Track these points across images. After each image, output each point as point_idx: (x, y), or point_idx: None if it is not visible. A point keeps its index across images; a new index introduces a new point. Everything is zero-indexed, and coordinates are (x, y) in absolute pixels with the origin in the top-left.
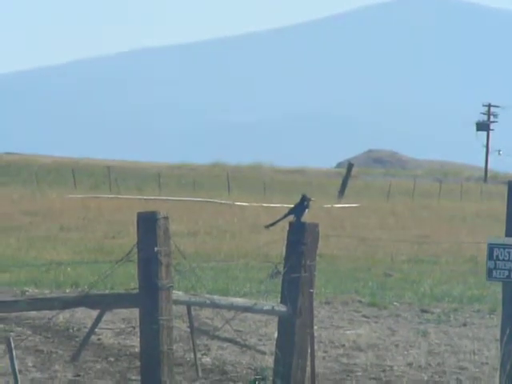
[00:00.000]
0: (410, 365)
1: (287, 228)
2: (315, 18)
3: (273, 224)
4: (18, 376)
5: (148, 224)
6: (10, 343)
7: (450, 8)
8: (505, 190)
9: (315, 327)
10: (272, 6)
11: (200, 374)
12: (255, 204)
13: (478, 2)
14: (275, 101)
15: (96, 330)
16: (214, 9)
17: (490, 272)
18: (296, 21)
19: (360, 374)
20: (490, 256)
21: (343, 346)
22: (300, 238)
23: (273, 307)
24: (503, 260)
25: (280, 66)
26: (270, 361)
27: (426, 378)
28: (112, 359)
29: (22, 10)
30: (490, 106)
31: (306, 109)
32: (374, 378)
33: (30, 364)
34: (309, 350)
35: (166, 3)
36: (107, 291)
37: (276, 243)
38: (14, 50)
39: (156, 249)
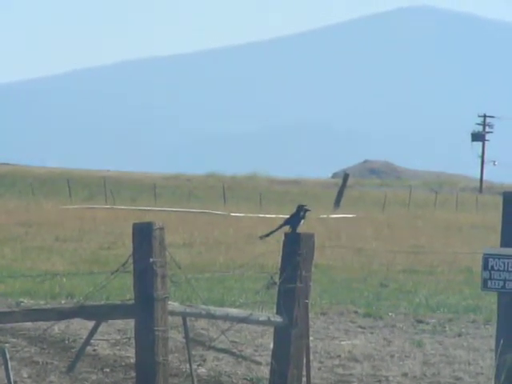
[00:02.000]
0: (405, 375)
1: (283, 239)
2: (313, 28)
3: (268, 235)
4: None
5: (143, 235)
6: (5, 354)
7: (447, 19)
8: (500, 200)
9: (311, 338)
10: (270, 15)
11: None
12: (251, 215)
13: (475, 12)
14: (271, 111)
15: (91, 340)
16: (211, 19)
17: (485, 282)
18: (294, 31)
19: None
20: (485, 266)
21: (339, 356)
22: (295, 248)
23: (268, 318)
24: (498, 270)
25: (277, 76)
26: (265, 371)
27: None
28: (107, 370)
29: (22, 19)
30: (485, 116)
31: (302, 119)
32: None
33: (25, 375)
34: (304, 361)
35: (163, 14)
36: (103, 302)
37: (271, 254)
38: (11, 60)
39: (151, 260)
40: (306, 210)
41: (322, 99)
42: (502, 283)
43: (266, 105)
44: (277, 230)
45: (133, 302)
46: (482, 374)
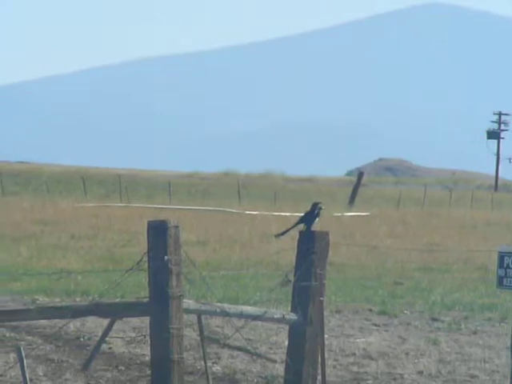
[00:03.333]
0: (420, 373)
1: (297, 237)
2: (326, 27)
3: (283, 233)
4: None
5: (158, 233)
6: (20, 352)
7: (460, 16)
8: None
9: (326, 336)
10: (278, 15)
11: (211, 382)
12: (266, 213)
13: (489, 10)
14: (285, 110)
15: (107, 338)
16: (219, 18)
17: (500, 280)
18: (309, 28)
19: (370, 382)
20: (501, 264)
21: (354, 354)
22: (310, 246)
23: (283, 315)
24: None
25: (291, 74)
26: (280, 369)
27: None
28: (123, 368)
29: (28, 19)
30: (500, 114)
31: (317, 117)
32: None
33: (40, 373)
34: (319, 359)
35: (168, 13)
36: (117, 300)
37: (286, 252)
38: (23, 59)
39: (166, 257)
40: (320, 208)
41: (336, 97)
42: None
43: (280, 103)
44: (292, 228)
45: (148, 299)
46: (498, 371)
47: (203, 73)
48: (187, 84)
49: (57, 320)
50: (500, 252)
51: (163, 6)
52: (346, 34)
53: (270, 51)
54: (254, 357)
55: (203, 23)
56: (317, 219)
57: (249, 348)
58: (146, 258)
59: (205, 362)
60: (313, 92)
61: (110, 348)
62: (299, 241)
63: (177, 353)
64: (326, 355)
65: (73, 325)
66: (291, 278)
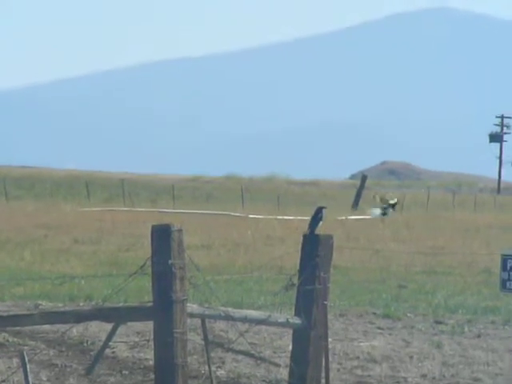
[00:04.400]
0: (424, 376)
1: (301, 240)
2: (334, 29)
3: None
4: None
5: (162, 237)
6: (23, 357)
7: (462, 20)
8: None
9: (330, 339)
10: (285, 18)
11: None
12: (269, 216)
13: (490, 13)
14: (288, 113)
15: (110, 343)
16: (228, 21)
17: (503, 283)
18: (314, 32)
19: None
20: (504, 267)
21: (358, 357)
22: (314, 250)
23: (287, 319)
24: None
25: (293, 78)
26: (284, 373)
27: None
28: (126, 372)
29: (29, 23)
30: (503, 117)
31: (319, 121)
32: None
33: (44, 378)
34: (323, 363)
35: (174, 16)
36: (121, 304)
37: (290, 255)
38: (26, 64)
39: (170, 262)
40: (322, 210)
41: (340, 101)
42: None
43: (282, 106)
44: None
45: (151, 304)
46: (501, 374)
47: (209, 77)
48: (189, 87)
49: (60, 325)
50: (503, 255)
51: (180, 7)
52: (349, 38)
53: (271, 55)
54: (258, 361)
55: (203, 27)
56: (320, 222)
57: (253, 352)
58: (149, 263)
59: (209, 367)
60: (316, 96)
61: (113, 352)
62: (303, 244)
63: (181, 357)
64: (330, 359)
65: (76, 329)
66: (295, 281)
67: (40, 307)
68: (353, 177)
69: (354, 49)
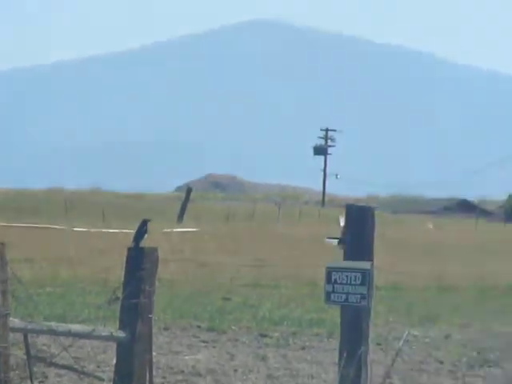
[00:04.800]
0: None
1: (126, 253)
2: (158, 41)
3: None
4: None
5: None
6: None
7: (290, 33)
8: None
9: (154, 353)
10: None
11: None
12: (94, 229)
13: (316, 26)
14: (114, 126)
15: None
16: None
17: (328, 296)
18: (126, 47)
19: None
20: (329, 280)
21: (182, 371)
22: (139, 263)
23: (111, 333)
24: (341, 284)
25: (119, 92)
26: None
27: None
28: None
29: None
30: (327, 130)
31: (143, 134)
32: None
33: None
34: (147, 377)
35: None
36: None
37: (115, 268)
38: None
39: None
40: (147, 223)
41: (163, 113)
42: (344, 296)
43: (110, 120)
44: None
45: None
46: None
47: (29, 85)
48: (19, 98)
49: None
50: (328, 267)
51: None
52: (170, 51)
53: (96, 67)
54: (82, 375)
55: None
56: (145, 235)
57: (76, 367)
58: None
59: (31, 382)
60: (140, 109)
61: None
62: (128, 257)
63: (3, 372)
64: (154, 373)
65: None
66: (119, 294)
67: None
68: (178, 189)
69: (177, 61)
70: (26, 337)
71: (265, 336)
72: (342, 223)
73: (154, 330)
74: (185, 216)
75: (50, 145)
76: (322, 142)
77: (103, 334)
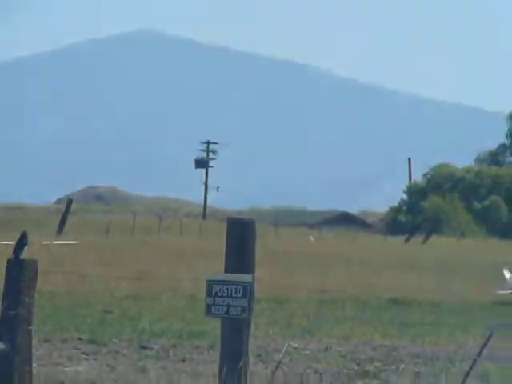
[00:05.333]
0: None
1: (5, 264)
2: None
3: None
4: None
5: None
6: None
7: (168, 44)
8: (223, 226)
9: (34, 365)
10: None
11: None
12: None
13: (193, 38)
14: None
15: None
16: None
17: (208, 308)
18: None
19: None
20: (209, 292)
21: (62, 383)
22: (18, 274)
23: None
24: (222, 296)
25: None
26: None
27: None
28: None
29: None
30: (208, 142)
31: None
32: None
33: None
34: None
35: None
36: None
37: None
38: None
39: None
40: (27, 234)
41: (80, 120)
42: (225, 309)
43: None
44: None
45: None
46: None
47: None
48: None
49: None
50: (208, 280)
51: None
52: (63, 60)
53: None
54: None
55: None
56: (25, 247)
57: None
58: None
59: None
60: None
61: None
62: (7, 269)
63: None
64: None
65: None
66: None
67: None
68: (58, 201)
69: (74, 70)
70: None
71: (145, 348)
72: (508, 275)
73: (34, 342)
74: (65, 228)
75: None
76: (204, 154)
77: None
